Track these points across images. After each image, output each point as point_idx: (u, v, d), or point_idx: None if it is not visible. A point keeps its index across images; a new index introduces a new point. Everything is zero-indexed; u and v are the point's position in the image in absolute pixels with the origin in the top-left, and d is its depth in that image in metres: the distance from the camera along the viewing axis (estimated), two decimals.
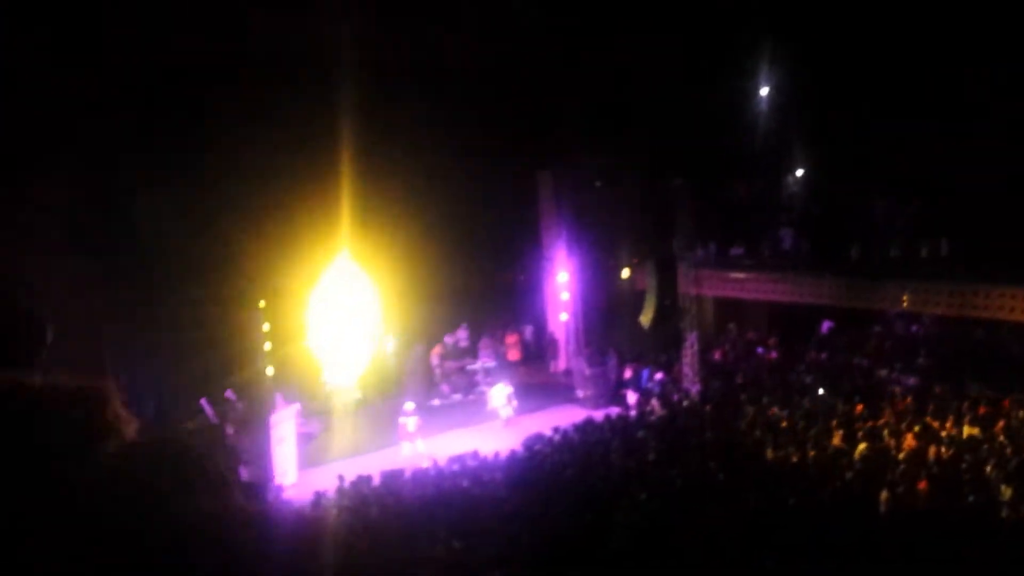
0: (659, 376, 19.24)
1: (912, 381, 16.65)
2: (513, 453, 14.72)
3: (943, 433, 13.83)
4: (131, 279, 16.34)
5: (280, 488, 14.47)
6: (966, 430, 13.89)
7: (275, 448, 15.14)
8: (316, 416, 18.67)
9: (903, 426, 14.57)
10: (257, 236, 17.06)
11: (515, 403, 18.46)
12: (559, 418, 17.29)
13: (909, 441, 13.87)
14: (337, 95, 17.21)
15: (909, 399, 15.64)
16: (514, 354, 23.13)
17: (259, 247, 16.95)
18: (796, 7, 20.11)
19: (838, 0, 19.47)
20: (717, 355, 20.95)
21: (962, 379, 15.88)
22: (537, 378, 22.22)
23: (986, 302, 15.51)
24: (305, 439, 17.10)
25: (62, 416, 1.76)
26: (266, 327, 16.02)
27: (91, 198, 15.63)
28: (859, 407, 15.84)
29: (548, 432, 15.67)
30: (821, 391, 16.64)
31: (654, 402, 17.66)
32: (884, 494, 11.37)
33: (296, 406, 16.78)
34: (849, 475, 12.43)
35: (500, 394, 18.50)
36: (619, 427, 16.13)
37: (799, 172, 22.78)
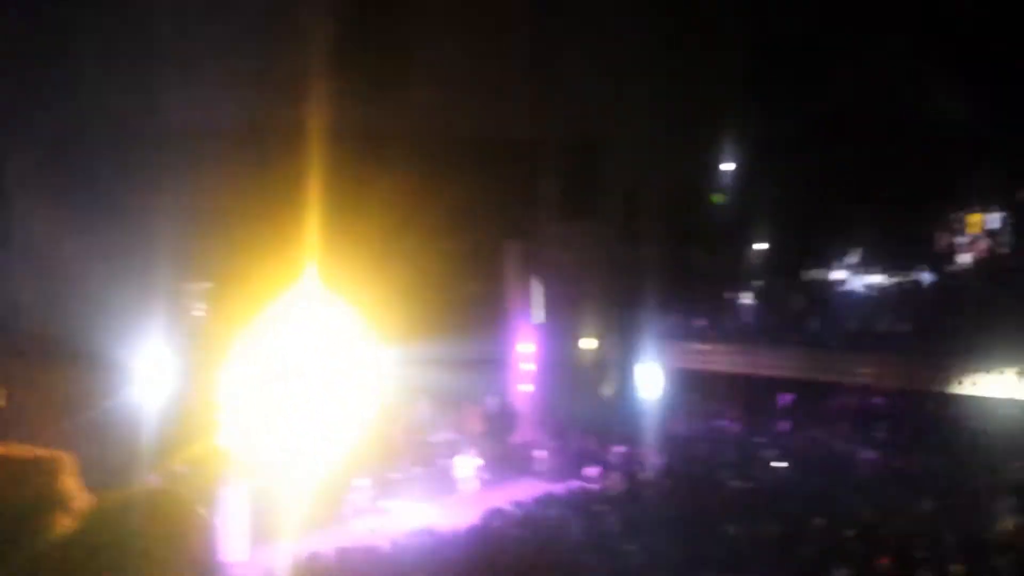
0: (620, 449, 19.10)
1: (869, 454, 16.69)
2: (472, 528, 14.44)
3: None
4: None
5: (231, 567, 14.00)
6: None
7: (226, 524, 14.70)
8: (268, 490, 18.17)
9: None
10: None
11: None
12: (519, 492, 17.03)
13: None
14: (304, 153, 17.20)
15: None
16: (475, 425, 22.85)
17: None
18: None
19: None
20: (679, 427, 20.86)
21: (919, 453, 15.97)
22: (497, 450, 21.91)
23: (942, 377, 15.68)
24: (257, 514, 16.61)
25: (17, 483, 1.68)
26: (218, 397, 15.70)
27: None
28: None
29: (507, 507, 15.44)
30: (781, 463, 16.61)
31: (613, 476, 17.49)
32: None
33: (248, 480, 16.35)
34: (809, 549, 12.33)
35: (467, 465, 18.15)
36: (579, 501, 15.93)
37: (763, 246, 23.12)
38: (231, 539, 14.78)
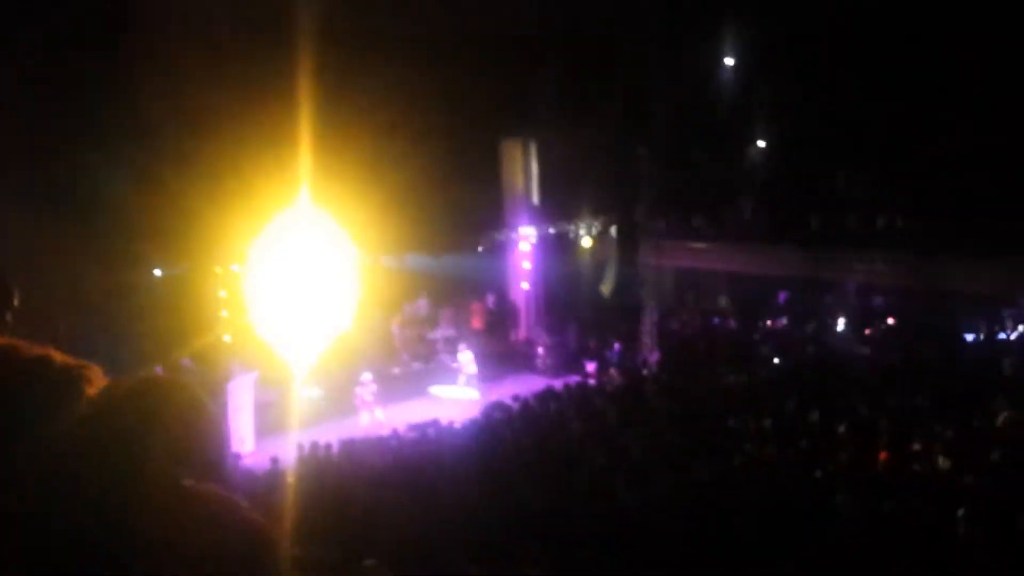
0: (617, 346, 19.35)
1: (866, 351, 16.94)
2: (473, 421, 14.75)
3: None
4: (79, 243, 15.97)
5: (238, 456, 14.35)
6: None
7: (232, 416, 15.00)
8: (275, 384, 18.49)
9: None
10: (213, 199, 16.77)
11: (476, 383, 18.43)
12: (519, 387, 17.33)
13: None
14: (293, 55, 16.85)
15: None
16: (476, 323, 23.12)
17: (215, 210, 16.66)
18: None
19: None
20: (676, 325, 21.11)
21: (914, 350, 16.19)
22: (498, 347, 22.23)
23: (941, 274, 15.76)
24: (263, 407, 16.95)
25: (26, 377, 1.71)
26: (223, 293, 15.79)
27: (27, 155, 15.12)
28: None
29: (508, 401, 15.71)
30: (776, 360, 16.86)
31: (612, 371, 17.76)
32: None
33: (254, 374, 16.60)
34: (804, 443, 12.62)
35: (468, 359, 18.30)
36: (578, 396, 16.21)
37: (760, 143, 22.89)
38: (237, 431, 15.10)
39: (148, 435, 1.64)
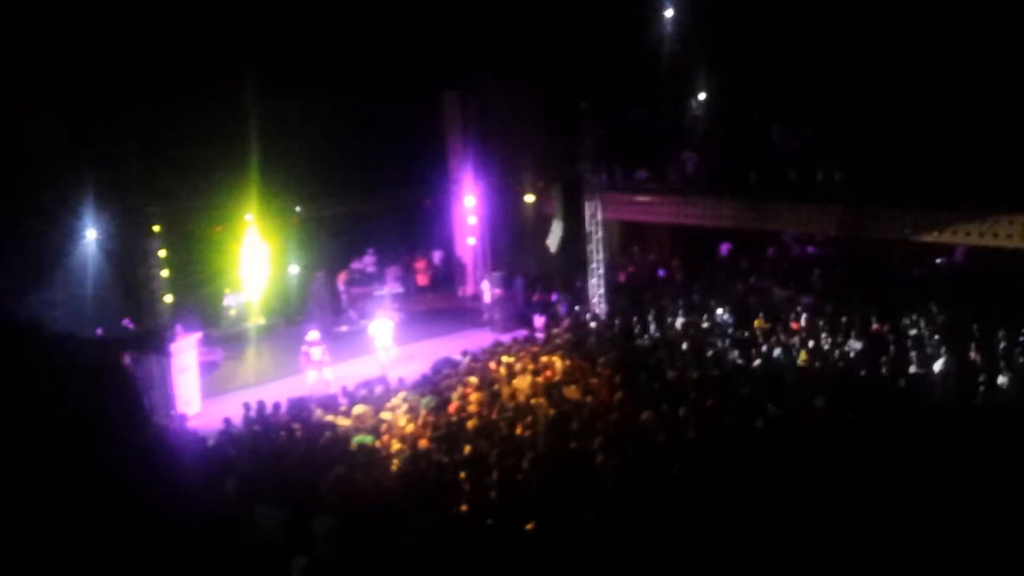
0: (565, 299, 19.52)
1: (807, 300, 17.35)
2: (423, 377, 14.76)
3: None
4: (15, 204, 15.50)
5: (183, 417, 14.20)
6: None
7: (176, 377, 14.80)
8: (219, 344, 18.29)
9: (797, 341, 15.29)
10: (153, 158, 16.38)
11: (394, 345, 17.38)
12: (467, 342, 17.38)
13: (803, 357, 14.57)
14: (232, 15, 16.46)
15: (803, 319, 16.36)
16: (422, 279, 23.08)
17: (155, 167, 16.29)
18: None
19: None
20: (622, 277, 21.34)
21: (853, 298, 16.65)
22: (445, 303, 22.26)
23: (875, 224, 16.16)
24: (208, 368, 16.76)
25: None
26: (163, 253, 15.45)
27: None
28: (759, 323, 16.53)
29: (457, 356, 15.77)
30: (720, 311, 17.18)
31: (562, 324, 17.90)
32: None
33: (198, 334, 16.37)
34: (746, 390, 12.96)
35: (384, 329, 17.18)
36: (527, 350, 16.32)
37: (701, 96, 23.02)
38: (183, 392, 14.92)
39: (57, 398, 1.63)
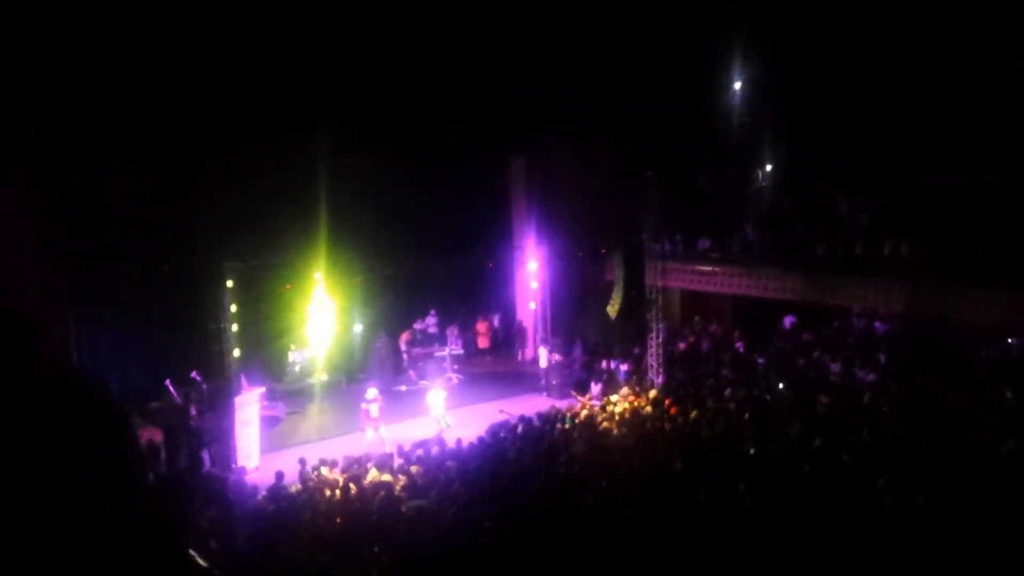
0: (624, 367, 19.42)
1: (870, 377, 16.96)
2: (480, 440, 14.81)
3: None
4: (96, 255, 16.25)
5: (243, 471, 14.47)
6: None
7: (239, 430, 15.13)
8: (282, 399, 18.67)
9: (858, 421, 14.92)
10: (227, 213, 17.01)
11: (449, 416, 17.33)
12: (525, 407, 17.43)
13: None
14: (306, 78, 17.19)
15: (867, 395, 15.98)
16: (483, 342, 23.26)
17: (228, 225, 16.89)
18: (773, 4, 20.35)
19: None
20: (682, 346, 21.18)
21: (918, 377, 16.23)
22: (504, 366, 22.38)
23: (943, 301, 15.82)
24: (270, 422, 17.09)
25: None
26: (234, 308, 15.95)
27: (52, 171, 15.39)
28: (824, 401, 16.20)
29: (512, 420, 15.81)
30: (781, 385, 16.91)
31: (623, 391, 17.84)
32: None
33: (261, 389, 16.76)
34: (807, 468, 12.69)
35: (438, 400, 17.22)
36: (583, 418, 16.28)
37: (767, 168, 23.04)
38: (243, 446, 15.22)
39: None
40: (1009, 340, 18.28)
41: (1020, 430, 13.29)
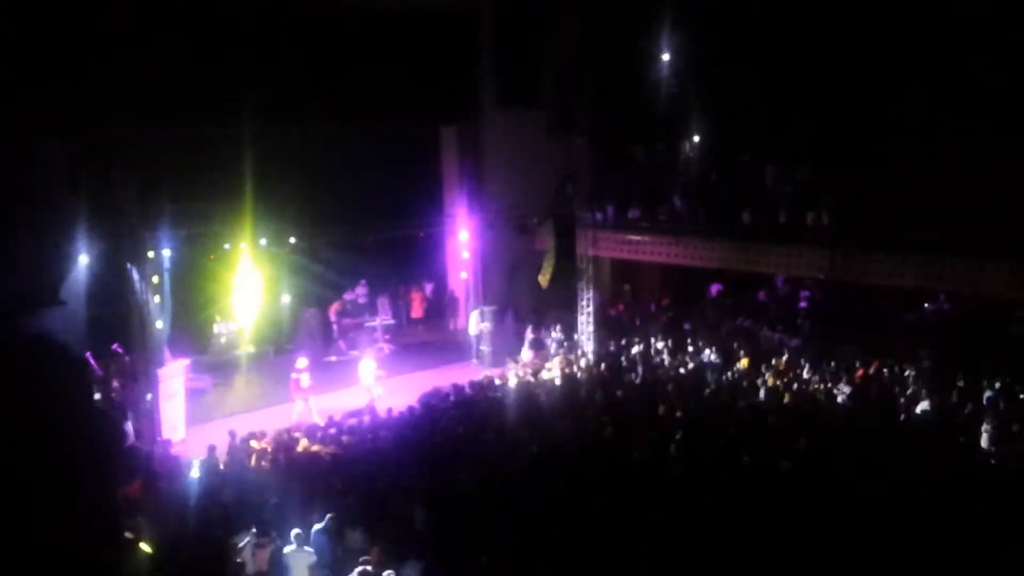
0: (556, 335, 19.60)
1: (795, 342, 17.45)
2: (410, 409, 14.77)
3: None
4: (16, 223, 15.53)
5: (168, 443, 14.16)
6: None
7: (163, 403, 14.80)
8: (208, 371, 18.28)
9: (781, 383, 15.37)
10: (149, 182, 16.45)
11: (382, 377, 17.25)
12: (458, 375, 17.44)
13: (787, 398, 14.64)
14: (233, 40, 16.70)
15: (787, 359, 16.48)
16: (416, 311, 23.15)
17: (153, 195, 16.37)
18: None
19: None
20: (612, 314, 21.43)
21: (837, 342, 16.78)
22: (437, 336, 22.32)
23: (863, 268, 16.28)
24: (196, 395, 16.74)
25: None
26: (156, 279, 15.53)
27: None
28: (744, 363, 16.64)
29: (444, 388, 15.83)
30: (708, 351, 17.27)
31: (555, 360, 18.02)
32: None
33: (186, 360, 16.39)
34: (732, 430, 13.03)
35: (367, 370, 17.02)
36: (516, 384, 16.40)
37: (695, 138, 23.28)
38: (169, 419, 14.91)
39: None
40: (926, 305, 19.01)
41: (934, 392, 13.87)
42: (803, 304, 19.99)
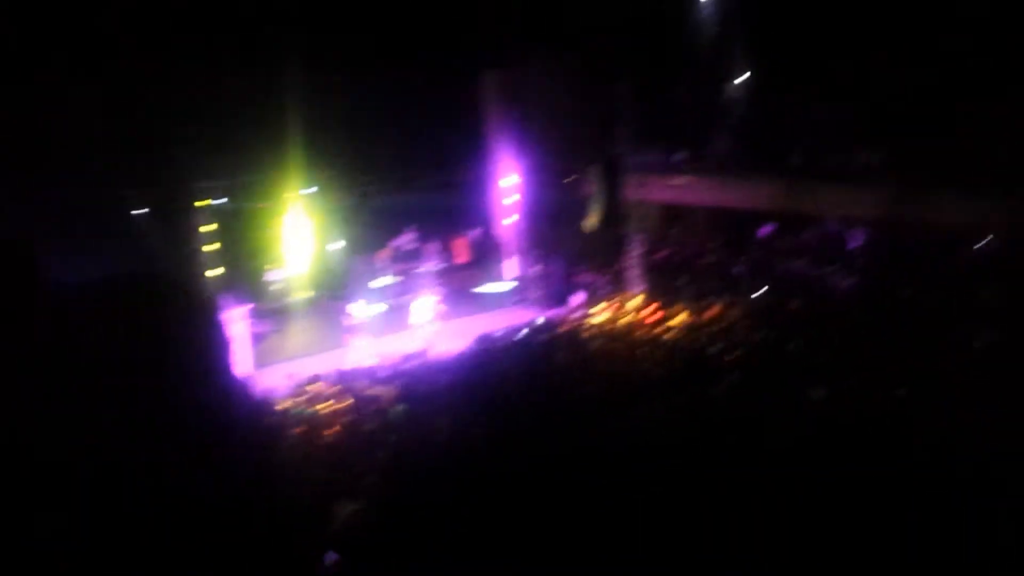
0: (604, 279, 19.71)
1: (846, 283, 17.38)
2: (461, 353, 15.06)
3: None
4: (61, 184, 15.88)
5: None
6: None
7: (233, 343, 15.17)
8: (267, 316, 18.68)
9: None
10: (197, 133, 16.67)
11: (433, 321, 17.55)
12: (506, 320, 17.65)
13: None
14: None
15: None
16: (462, 257, 23.31)
17: (198, 147, 16.59)
18: None
19: None
20: (660, 258, 21.42)
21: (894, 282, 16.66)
22: (485, 279, 22.49)
23: (918, 207, 16.12)
24: (256, 339, 17.15)
25: None
26: (209, 227, 15.85)
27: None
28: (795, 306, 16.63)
29: (495, 332, 16.07)
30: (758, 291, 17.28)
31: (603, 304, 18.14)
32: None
33: (247, 306, 16.77)
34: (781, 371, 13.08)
35: (421, 314, 17.31)
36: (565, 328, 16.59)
37: (741, 77, 22.96)
38: (234, 359, 15.31)
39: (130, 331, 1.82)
40: (974, 247, 18.72)
41: (993, 326, 13.75)
42: (855, 244, 19.79)
